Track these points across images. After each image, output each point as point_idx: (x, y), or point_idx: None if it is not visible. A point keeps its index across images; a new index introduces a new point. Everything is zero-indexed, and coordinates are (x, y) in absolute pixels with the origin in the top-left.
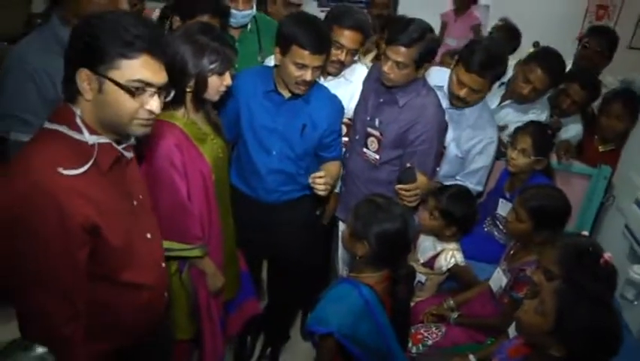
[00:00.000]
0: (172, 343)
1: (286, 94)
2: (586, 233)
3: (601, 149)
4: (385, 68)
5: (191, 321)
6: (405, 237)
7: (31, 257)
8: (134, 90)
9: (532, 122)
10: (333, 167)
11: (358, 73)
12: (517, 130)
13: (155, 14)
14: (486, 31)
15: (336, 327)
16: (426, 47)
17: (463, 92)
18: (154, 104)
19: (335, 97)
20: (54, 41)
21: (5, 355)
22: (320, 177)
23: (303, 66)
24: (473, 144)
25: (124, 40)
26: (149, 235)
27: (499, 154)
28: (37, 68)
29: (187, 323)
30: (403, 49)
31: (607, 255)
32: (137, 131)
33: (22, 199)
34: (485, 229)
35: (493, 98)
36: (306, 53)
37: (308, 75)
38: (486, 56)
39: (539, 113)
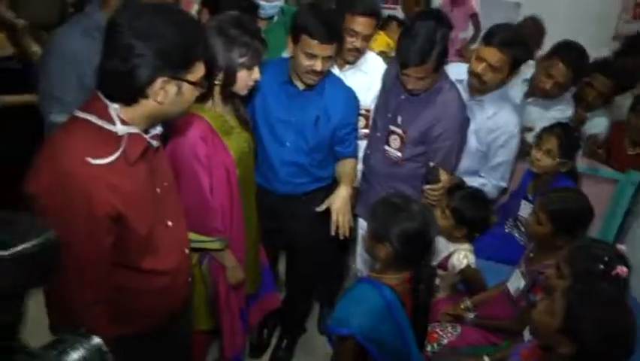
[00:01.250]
0: (191, 333)
1: (300, 85)
2: (622, 247)
3: (630, 152)
4: (409, 86)
5: (210, 312)
6: (427, 234)
7: None
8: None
9: (559, 123)
10: (349, 164)
11: (371, 62)
12: (543, 130)
13: (195, 8)
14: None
15: (357, 329)
16: (440, 50)
17: (480, 68)
18: (197, 92)
19: (349, 89)
20: (93, 27)
21: (63, 342)
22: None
23: (312, 56)
24: (494, 137)
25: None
26: (169, 223)
27: (522, 154)
28: (76, 54)
29: (206, 314)
30: (419, 68)
31: (621, 268)
32: (181, 117)
33: (51, 188)
34: (506, 230)
35: (516, 96)
36: (315, 42)
37: (318, 65)
38: (507, 33)
39: (564, 110)
